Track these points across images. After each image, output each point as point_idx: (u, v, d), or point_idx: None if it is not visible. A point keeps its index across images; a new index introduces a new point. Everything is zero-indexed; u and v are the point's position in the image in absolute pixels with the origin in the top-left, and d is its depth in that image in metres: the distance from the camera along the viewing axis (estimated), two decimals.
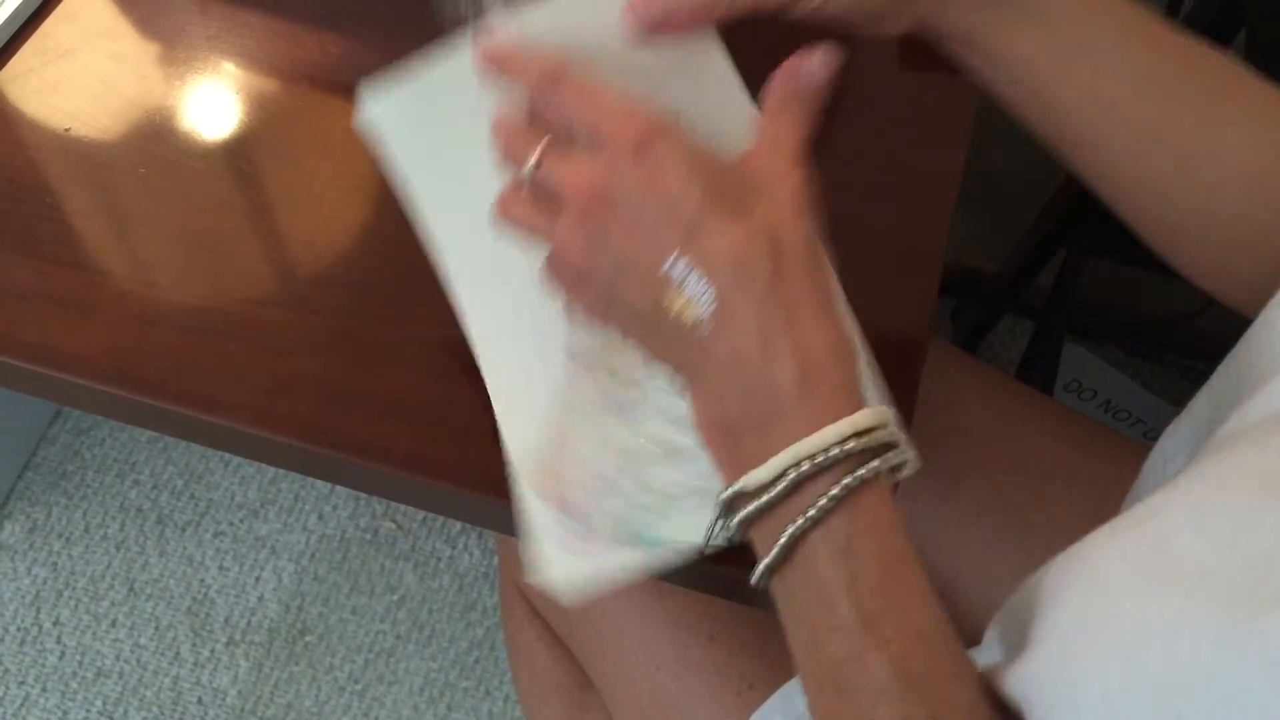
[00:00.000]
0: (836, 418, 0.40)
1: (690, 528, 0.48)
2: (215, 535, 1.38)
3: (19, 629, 1.32)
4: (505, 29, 0.49)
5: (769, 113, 0.46)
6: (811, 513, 0.40)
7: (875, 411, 0.41)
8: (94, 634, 1.32)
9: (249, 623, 1.33)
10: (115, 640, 1.32)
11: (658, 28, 0.49)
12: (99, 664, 1.31)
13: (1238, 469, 0.37)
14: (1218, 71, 0.48)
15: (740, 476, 0.41)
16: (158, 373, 0.57)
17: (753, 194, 0.43)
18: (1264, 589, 0.31)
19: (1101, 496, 0.68)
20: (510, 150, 0.47)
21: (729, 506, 0.42)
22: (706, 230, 0.41)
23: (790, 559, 0.41)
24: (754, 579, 0.42)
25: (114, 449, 1.44)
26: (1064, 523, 0.68)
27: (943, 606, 0.41)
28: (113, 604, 1.34)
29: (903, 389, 0.56)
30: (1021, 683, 0.38)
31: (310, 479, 1.42)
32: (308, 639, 1.32)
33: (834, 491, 0.40)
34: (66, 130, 0.65)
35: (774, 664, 0.67)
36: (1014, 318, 1.52)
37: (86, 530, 1.39)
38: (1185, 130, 0.48)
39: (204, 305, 0.59)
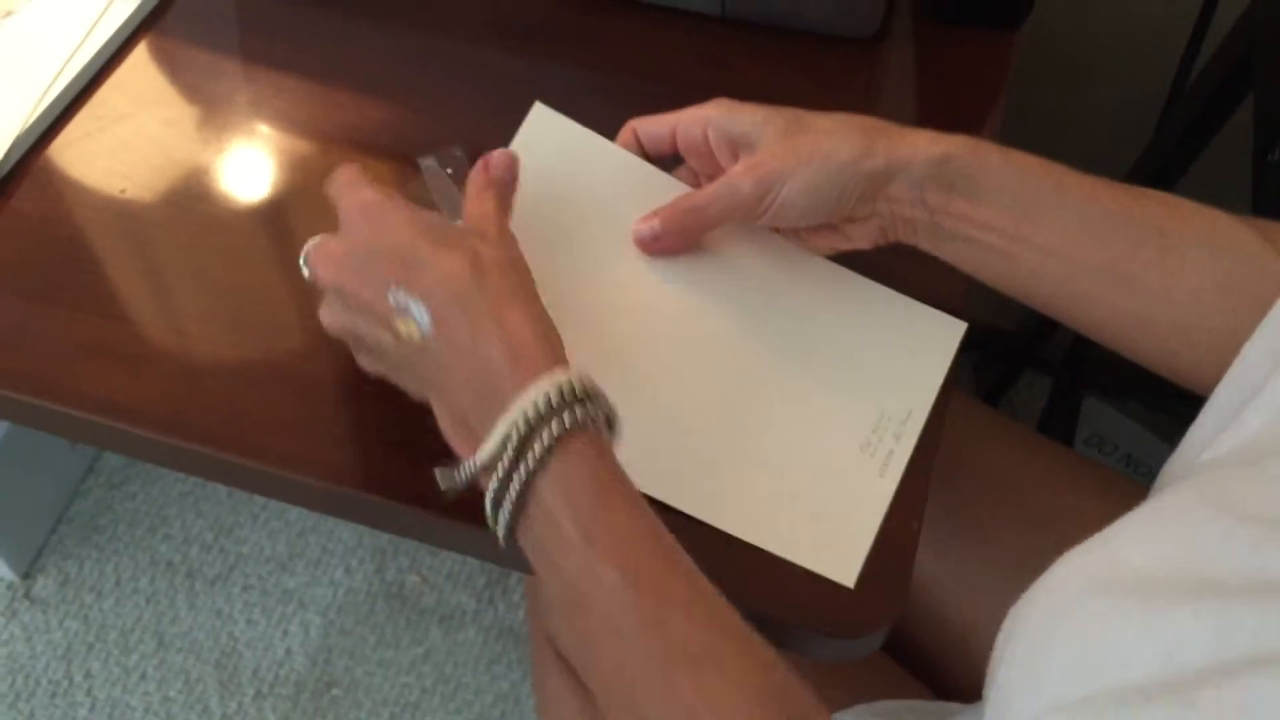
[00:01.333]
0: (536, 381, 0.47)
1: None
2: (244, 589, 1.40)
3: (50, 681, 1.34)
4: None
5: (473, 194, 0.55)
6: (530, 461, 0.46)
7: (571, 369, 0.48)
8: (124, 686, 1.34)
9: (276, 676, 1.35)
10: (145, 693, 1.33)
11: (650, 251, 0.62)
12: (129, 717, 1.32)
13: (1196, 495, 0.39)
14: (1162, 205, 0.54)
15: (472, 461, 0.47)
16: (209, 421, 0.59)
17: (461, 234, 0.51)
18: (1185, 585, 0.35)
19: None
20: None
21: (477, 483, 0.48)
22: (420, 260, 0.49)
23: (525, 510, 0.47)
24: (501, 538, 0.48)
25: (145, 503, 1.46)
26: None
27: (655, 515, 0.47)
28: (142, 657, 1.36)
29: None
30: (992, 690, 0.42)
31: (336, 534, 1.44)
32: (334, 692, 1.34)
33: (545, 439, 0.46)
34: (121, 191, 0.69)
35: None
36: (1034, 373, 1.53)
37: (117, 584, 1.41)
38: (1146, 263, 0.53)
39: (252, 357, 0.62)
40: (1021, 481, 0.74)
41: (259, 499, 1.47)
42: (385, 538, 1.44)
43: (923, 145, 0.55)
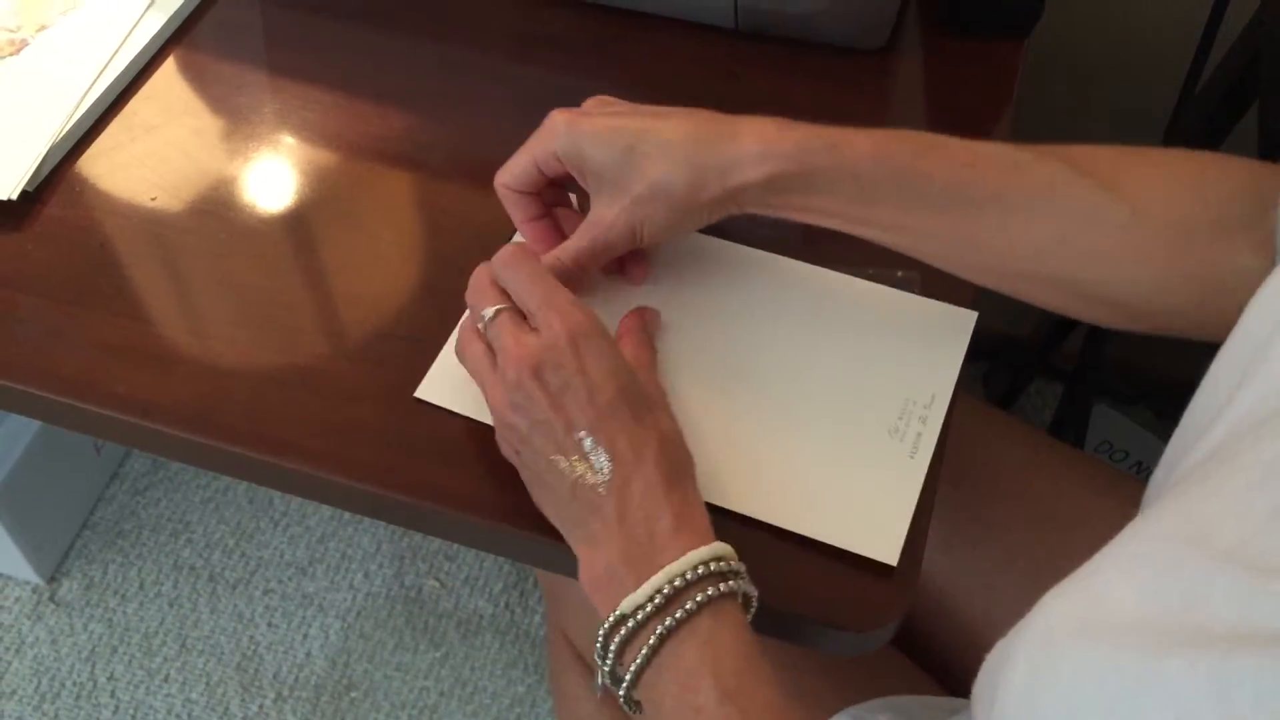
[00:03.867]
0: (698, 548, 0.50)
1: None
2: (265, 593, 1.42)
3: (75, 684, 1.36)
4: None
5: (624, 338, 0.60)
6: (679, 614, 0.48)
7: (726, 547, 0.51)
8: (147, 689, 1.36)
9: (297, 678, 1.36)
10: (168, 695, 1.35)
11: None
12: (152, 718, 1.34)
13: (1168, 518, 0.40)
14: (1004, 170, 0.57)
15: (614, 608, 0.50)
16: (235, 420, 0.61)
17: (646, 404, 0.54)
18: (1176, 634, 0.34)
19: None
20: (476, 295, 0.58)
21: (606, 639, 0.50)
22: (616, 420, 0.52)
23: (656, 660, 0.49)
24: (624, 686, 0.50)
25: (168, 509, 1.49)
26: None
27: (790, 693, 0.49)
28: (165, 660, 1.38)
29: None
30: None
31: (356, 540, 1.46)
32: (353, 695, 1.35)
33: (699, 597, 0.49)
34: (152, 200, 0.71)
35: (814, 703, 0.69)
36: (1044, 381, 1.54)
37: (141, 588, 1.43)
38: (988, 226, 0.56)
39: (277, 359, 0.64)
40: (1030, 480, 0.76)
41: (279, 505, 1.49)
42: (404, 544, 1.46)
43: (750, 168, 0.56)
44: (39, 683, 1.36)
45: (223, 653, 1.38)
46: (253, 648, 1.38)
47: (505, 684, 1.36)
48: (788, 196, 0.58)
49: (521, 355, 0.53)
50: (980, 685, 0.45)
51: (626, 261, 0.65)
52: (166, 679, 1.37)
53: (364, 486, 0.60)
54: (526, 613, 1.41)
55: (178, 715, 1.34)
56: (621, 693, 0.51)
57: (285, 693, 1.36)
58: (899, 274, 0.66)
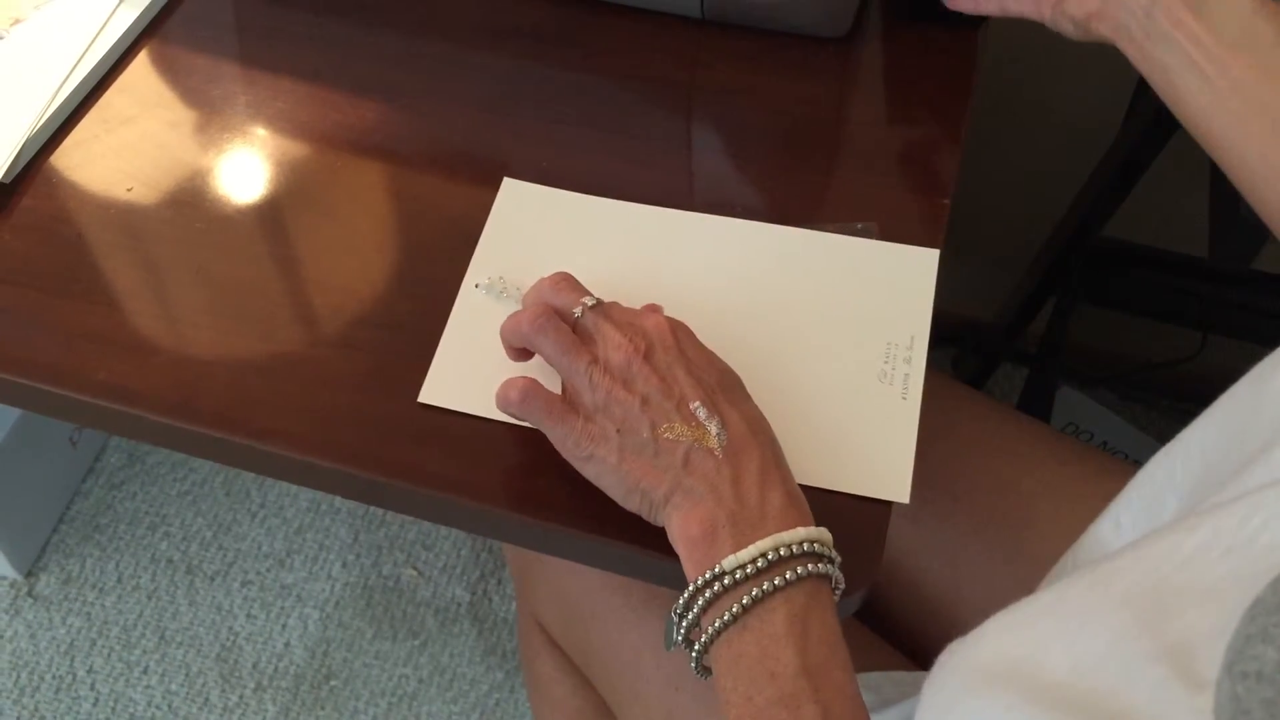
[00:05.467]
0: (806, 527, 0.52)
1: None
2: (243, 584, 1.43)
3: (54, 677, 1.37)
4: None
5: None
6: (778, 580, 0.50)
7: (828, 533, 0.53)
8: (126, 681, 1.37)
9: (276, 669, 1.37)
10: (147, 687, 1.36)
11: None
12: (131, 710, 1.35)
13: (1122, 582, 0.39)
14: None
15: (713, 566, 0.51)
16: (217, 406, 0.62)
17: (742, 389, 0.58)
18: (1094, 714, 0.34)
19: (1088, 513, 0.73)
20: (560, 295, 0.59)
21: (692, 595, 0.52)
22: (724, 397, 0.55)
23: (744, 620, 0.50)
24: (700, 643, 0.52)
25: (145, 503, 1.49)
26: (1052, 540, 0.72)
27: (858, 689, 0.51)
28: (144, 652, 1.39)
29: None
30: None
31: (333, 531, 1.47)
32: (333, 684, 1.36)
33: (800, 570, 0.50)
34: (128, 190, 0.72)
35: None
36: (1012, 367, 1.57)
37: (119, 581, 1.44)
38: None
39: (256, 346, 0.65)
40: (996, 453, 0.78)
41: (256, 497, 1.50)
42: (381, 534, 1.47)
43: None
44: (18, 676, 1.37)
45: (202, 644, 1.39)
46: (231, 639, 1.39)
47: (484, 670, 1.37)
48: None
49: (631, 341, 0.56)
50: (931, 679, 0.46)
51: None
52: (146, 671, 1.37)
53: (346, 469, 0.61)
54: (504, 600, 1.42)
55: (158, 707, 1.35)
56: (695, 650, 0.53)
57: (265, 683, 1.36)
58: (858, 226, 0.68)
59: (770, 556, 0.50)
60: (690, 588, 0.52)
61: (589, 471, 0.56)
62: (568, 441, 0.56)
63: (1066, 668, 0.37)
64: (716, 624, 0.51)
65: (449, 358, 0.64)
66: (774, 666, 0.49)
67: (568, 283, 0.60)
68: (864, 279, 0.67)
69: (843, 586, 0.53)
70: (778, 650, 0.50)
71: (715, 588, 0.51)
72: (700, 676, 0.54)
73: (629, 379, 0.55)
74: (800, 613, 0.50)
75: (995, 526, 0.75)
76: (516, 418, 0.58)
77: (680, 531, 0.53)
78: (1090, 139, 1.12)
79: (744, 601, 0.50)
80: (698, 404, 0.54)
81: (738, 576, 0.50)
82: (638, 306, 0.61)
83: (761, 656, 0.50)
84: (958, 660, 0.43)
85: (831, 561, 0.52)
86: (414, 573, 1.44)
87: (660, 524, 0.55)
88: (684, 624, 0.53)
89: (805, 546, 0.51)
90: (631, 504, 0.55)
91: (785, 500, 0.53)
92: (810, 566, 0.51)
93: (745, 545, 0.51)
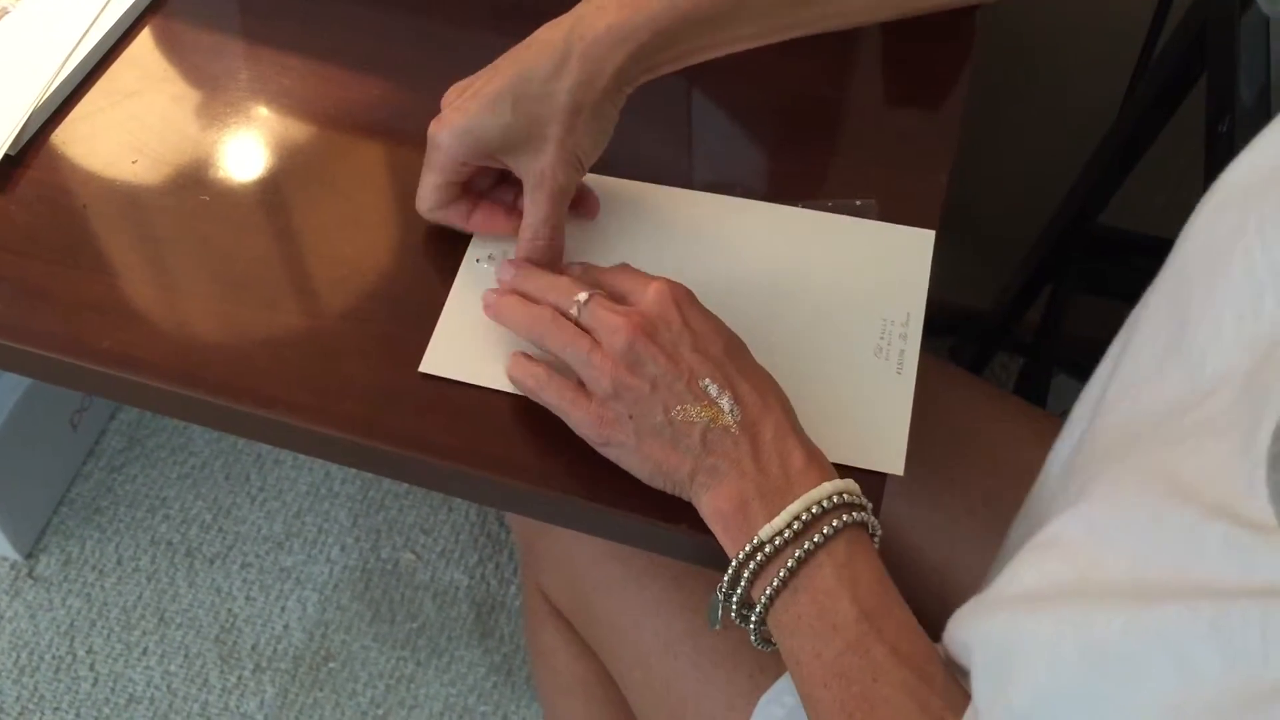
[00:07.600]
0: (831, 481, 0.53)
1: None
2: (242, 567, 1.44)
3: (54, 658, 1.37)
4: None
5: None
6: (817, 538, 0.51)
7: (854, 483, 0.54)
8: (126, 662, 1.37)
9: (275, 650, 1.38)
10: (147, 668, 1.37)
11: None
12: (131, 691, 1.35)
13: (1151, 483, 0.39)
14: None
15: (751, 538, 0.52)
16: (223, 375, 0.63)
17: (747, 352, 0.58)
18: (1175, 589, 0.35)
19: None
20: (555, 291, 0.60)
21: (736, 571, 0.53)
22: (733, 367, 0.56)
23: (794, 583, 0.52)
24: (756, 613, 0.53)
25: (145, 485, 1.50)
26: None
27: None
28: (144, 633, 1.39)
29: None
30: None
31: (332, 514, 1.47)
32: (331, 666, 1.37)
33: (835, 523, 0.52)
34: (134, 162, 0.72)
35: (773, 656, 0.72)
36: (1008, 356, 1.58)
37: (119, 563, 1.44)
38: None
39: (261, 317, 0.66)
40: (991, 434, 0.78)
41: (256, 481, 1.50)
42: (380, 517, 1.47)
43: (615, 51, 0.59)
44: (18, 656, 1.37)
45: (201, 626, 1.40)
46: (231, 620, 1.40)
47: (481, 654, 1.38)
48: (661, 56, 0.60)
49: (630, 322, 0.56)
50: (955, 640, 0.47)
51: (575, 201, 0.66)
52: (145, 652, 1.38)
53: (351, 437, 0.62)
54: (502, 584, 1.43)
55: (157, 687, 1.36)
56: (753, 622, 0.54)
57: (263, 664, 1.37)
58: (857, 203, 0.69)
59: (804, 518, 0.52)
60: (733, 563, 0.53)
61: (611, 455, 0.57)
62: (585, 428, 0.57)
63: (1125, 566, 0.38)
64: (768, 592, 0.52)
65: (450, 329, 0.64)
66: (834, 619, 0.51)
67: (560, 280, 0.61)
68: (862, 258, 0.68)
69: (880, 532, 0.54)
70: (833, 604, 0.51)
71: (758, 558, 0.52)
72: (761, 648, 0.56)
73: (634, 362, 0.55)
74: (845, 563, 0.51)
75: (987, 508, 0.75)
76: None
77: (712, 510, 0.54)
78: (1088, 125, 1.13)
79: (789, 565, 0.51)
80: (708, 380, 0.55)
81: (777, 544, 0.52)
82: None
83: (820, 613, 0.51)
84: (986, 607, 0.44)
85: (864, 508, 0.53)
86: (412, 556, 1.45)
87: (689, 500, 0.56)
88: (734, 600, 0.54)
89: (835, 499, 0.52)
90: (657, 484, 0.56)
91: (805, 460, 0.54)
92: (845, 517, 0.52)
93: (778, 512, 0.52)
